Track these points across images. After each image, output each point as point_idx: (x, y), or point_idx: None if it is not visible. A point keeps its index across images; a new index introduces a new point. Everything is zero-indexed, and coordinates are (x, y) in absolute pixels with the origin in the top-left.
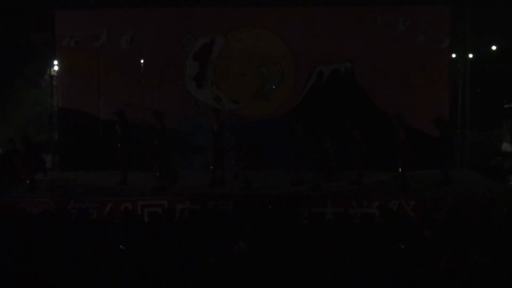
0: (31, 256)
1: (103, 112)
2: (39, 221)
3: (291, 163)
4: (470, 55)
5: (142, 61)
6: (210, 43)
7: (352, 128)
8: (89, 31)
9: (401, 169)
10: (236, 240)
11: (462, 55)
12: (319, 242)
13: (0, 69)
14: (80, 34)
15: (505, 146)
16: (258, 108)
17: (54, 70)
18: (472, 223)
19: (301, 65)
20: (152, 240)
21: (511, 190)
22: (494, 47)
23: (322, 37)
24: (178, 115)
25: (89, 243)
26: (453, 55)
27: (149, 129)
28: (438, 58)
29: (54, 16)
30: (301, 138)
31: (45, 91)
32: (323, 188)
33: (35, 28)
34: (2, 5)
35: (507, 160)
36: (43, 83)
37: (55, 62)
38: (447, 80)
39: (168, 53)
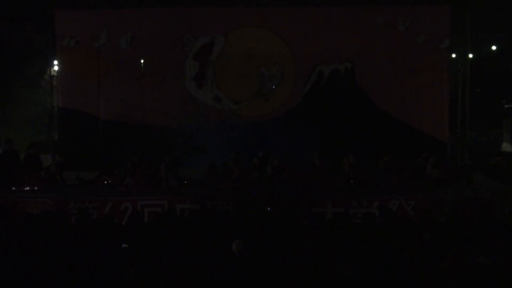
0: (31, 256)
1: (103, 112)
2: (39, 221)
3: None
4: (470, 55)
5: (142, 61)
6: (210, 43)
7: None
8: (89, 31)
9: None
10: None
11: (462, 55)
12: (319, 242)
13: (0, 69)
14: (80, 34)
15: (505, 146)
16: (258, 108)
17: (54, 70)
18: (473, 223)
19: (301, 65)
20: (152, 240)
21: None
22: (494, 47)
23: (322, 37)
24: (178, 115)
25: (89, 243)
26: (453, 55)
27: None
28: (438, 58)
29: (54, 16)
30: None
31: (45, 91)
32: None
33: (35, 28)
34: (2, 5)
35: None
36: (43, 83)
37: (55, 62)
38: (447, 80)
39: (168, 53)
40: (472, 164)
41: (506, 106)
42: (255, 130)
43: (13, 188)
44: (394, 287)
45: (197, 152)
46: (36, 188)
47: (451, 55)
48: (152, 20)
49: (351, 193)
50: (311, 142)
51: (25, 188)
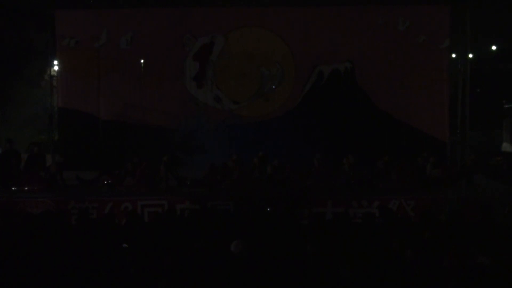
0: (31, 256)
1: (103, 112)
2: (39, 221)
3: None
4: (470, 55)
5: (142, 61)
6: (210, 43)
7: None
8: (89, 31)
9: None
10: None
11: (462, 55)
12: (319, 242)
13: (0, 69)
14: (80, 34)
15: (505, 146)
16: (258, 108)
17: (54, 70)
18: (473, 223)
19: (301, 65)
20: (152, 240)
21: None
22: (494, 47)
23: (322, 37)
24: (178, 115)
25: (89, 243)
26: (453, 55)
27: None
28: (438, 58)
29: (54, 16)
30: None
31: (45, 91)
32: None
33: (35, 28)
34: (2, 5)
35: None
36: (43, 83)
37: (55, 62)
38: (447, 80)
39: (168, 53)
40: (474, 165)
41: (506, 106)
42: (255, 130)
43: (13, 188)
44: (395, 287)
45: (197, 152)
46: (36, 188)
47: (451, 55)
48: (152, 20)
49: (351, 193)
50: (311, 142)
51: (25, 188)
